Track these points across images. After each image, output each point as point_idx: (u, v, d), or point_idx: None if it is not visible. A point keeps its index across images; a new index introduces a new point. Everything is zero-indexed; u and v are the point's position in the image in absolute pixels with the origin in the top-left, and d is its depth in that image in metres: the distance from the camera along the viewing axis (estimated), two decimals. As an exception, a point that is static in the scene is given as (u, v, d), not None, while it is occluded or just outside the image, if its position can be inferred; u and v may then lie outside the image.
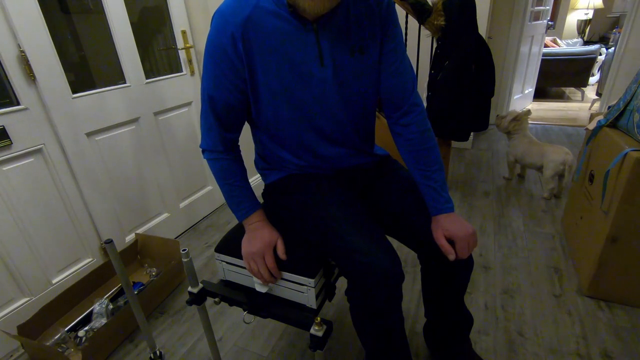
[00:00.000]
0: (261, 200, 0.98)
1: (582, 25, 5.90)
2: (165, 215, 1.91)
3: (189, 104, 1.95)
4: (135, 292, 1.10)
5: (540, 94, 4.61)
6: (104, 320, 1.32)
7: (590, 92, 4.63)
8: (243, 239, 0.86)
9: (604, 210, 1.27)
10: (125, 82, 1.62)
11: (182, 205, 2.01)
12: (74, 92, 1.43)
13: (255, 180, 2.36)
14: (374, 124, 0.96)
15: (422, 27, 2.00)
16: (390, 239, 0.85)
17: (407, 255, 1.70)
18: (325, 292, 0.90)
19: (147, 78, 1.70)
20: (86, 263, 1.56)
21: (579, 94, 4.55)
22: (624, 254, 1.23)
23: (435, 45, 2.02)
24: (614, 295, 1.32)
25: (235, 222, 2.00)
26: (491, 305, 1.36)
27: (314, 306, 0.84)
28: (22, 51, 1.24)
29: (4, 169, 1.25)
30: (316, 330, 0.76)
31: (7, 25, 1.21)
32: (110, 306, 1.37)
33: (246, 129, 0.93)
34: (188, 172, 2.02)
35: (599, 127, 1.38)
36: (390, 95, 0.87)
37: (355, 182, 0.96)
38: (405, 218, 0.89)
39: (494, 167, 2.61)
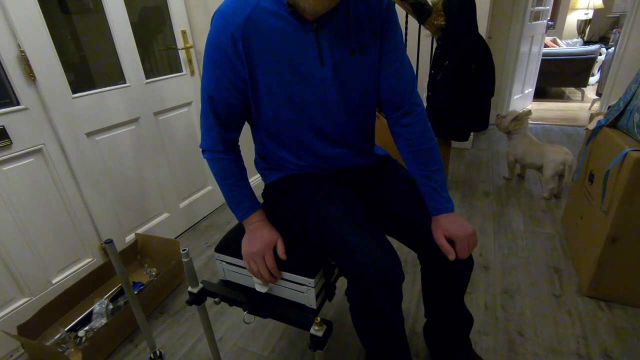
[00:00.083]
0: (261, 200, 0.98)
1: (582, 25, 5.90)
2: (165, 215, 1.91)
3: (189, 104, 1.95)
4: (135, 292, 1.10)
5: (540, 94, 4.61)
6: (104, 320, 1.32)
7: (590, 92, 4.63)
8: (243, 239, 0.86)
9: (604, 210, 1.27)
10: (125, 82, 1.62)
11: (182, 205, 2.01)
12: (74, 92, 1.43)
13: (255, 180, 2.36)
14: (374, 124, 0.96)
15: (422, 27, 2.00)
16: (390, 239, 0.85)
17: (407, 255, 1.70)
18: (325, 292, 0.90)
19: (147, 78, 1.70)
20: (86, 263, 1.56)
21: (579, 94, 4.55)
22: (624, 254, 1.23)
23: (435, 45, 2.02)
24: (614, 295, 1.32)
25: (235, 222, 2.00)
26: (491, 305, 1.36)
27: (314, 306, 0.84)
28: (22, 51, 1.24)
29: (4, 169, 1.25)
30: (316, 330, 0.76)
31: (7, 25, 1.21)
32: (110, 306, 1.37)
33: (246, 129, 0.93)
34: (188, 172, 2.02)
35: (599, 127, 1.38)
36: (390, 95, 0.87)
37: (355, 182, 0.96)
38: (405, 218, 0.89)
39: (494, 167, 2.61)
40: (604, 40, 5.65)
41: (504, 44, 3.28)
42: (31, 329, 1.26)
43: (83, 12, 1.50)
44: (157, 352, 1.22)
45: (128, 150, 1.67)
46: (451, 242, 0.82)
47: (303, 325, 0.81)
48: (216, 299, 0.93)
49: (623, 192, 1.15)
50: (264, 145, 0.92)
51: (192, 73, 1.94)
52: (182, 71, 1.90)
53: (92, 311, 1.36)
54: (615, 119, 1.31)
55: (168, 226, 1.93)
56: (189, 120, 1.97)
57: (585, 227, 1.45)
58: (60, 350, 1.22)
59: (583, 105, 4.15)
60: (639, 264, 1.23)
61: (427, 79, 2.06)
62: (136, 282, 1.54)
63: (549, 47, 4.62)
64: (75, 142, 1.44)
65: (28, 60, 1.26)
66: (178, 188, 1.97)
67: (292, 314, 0.84)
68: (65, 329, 1.29)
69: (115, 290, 1.49)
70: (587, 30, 5.92)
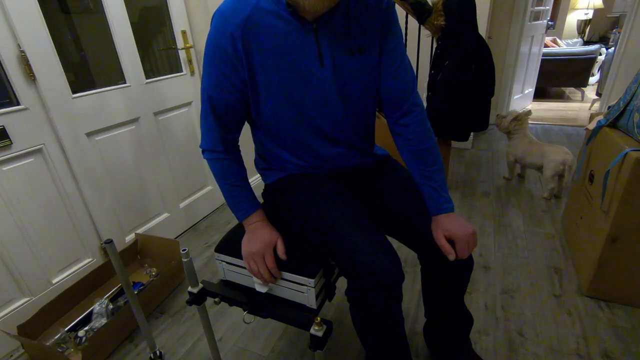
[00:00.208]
0: (261, 200, 0.98)
1: (582, 25, 5.90)
2: (165, 215, 1.91)
3: (189, 104, 1.95)
4: (135, 292, 1.10)
5: (540, 94, 4.61)
6: (104, 320, 1.32)
7: (590, 92, 4.63)
8: (243, 239, 0.86)
9: (604, 210, 1.27)
10: (125, 82, 1.62)
11: (182, 205, 2.01)
12: (74, 92, 1.43)
13: (255, 180, 2.36)
14: (374, 124, 0.96)
15: (422, 27, 2.00)
16: (390, 239, 0.85)
17: (407, 255, 1.70)
18: (325, 292, 0.90)
19: (147, 78, 1.70)
20: (86, 263, 1.56)
21: (579, 94, 4.55)
22: (624, 254, 1.23)
23: (435, 45, 2.02)
24: (614, 295, 1.32)
25: (235, 222, 2.00)
26: (491, 305, 1.36)
27: (314, 306, 0.84)
28: (22, 51, 1.24)
29: (4, 169, 1.25)
30: (316, 330, 0.76)
31: (7, 25, 1.21)
32: (110, 306, 1.37)
33: (246, 129, 0.93)
34: (188, 172, 2.02)
35: (599, 127, 1.38)
36: (390, 95, 0.87)
37: (355, 182, 0.96)
38: (405, 218, 0.89)
39: (494, 167, 2.61)
40: (604, 40, 5.66)
41: (504, 44, 3.28)
42: (31, 329, 1.26)
43: (83, 12, 1.50)
44: (157, 352, 1.22)
45: (128, 150, 1.67)
46: (451, 242, 0.82)
47: (303, 325, 0.81)
48: (216, 299, 0.93)
49: (623, 192, 1.15)
50: (264, 145, 0.92)
51: (192, 73, 1.94)
52: (182, 71, 1.90)
53: (92, 311, 1.36)
54: (615, 119, 1.31)
55: (168, 226, 1.93)
56: (189, 120, 1.97)
57: (585, 227, 1.45)
58: (60, 350, 1.22)
59: (583, 105, 4.15)
60: (639, 264, 1.23)
61: (427, 79, 2.06)
62: (136, 282, 1.54)
63: (549, 47, 4.62)
64: (75, 142, 1.44)
65: (28, 60, 1.26)
66: (178, 188, 1.97)
67: (292, 314, 0.84)
68: (65, 329, 1.29)
69: (115, 290, 1.49)
70: (587, 30, 5.92)
